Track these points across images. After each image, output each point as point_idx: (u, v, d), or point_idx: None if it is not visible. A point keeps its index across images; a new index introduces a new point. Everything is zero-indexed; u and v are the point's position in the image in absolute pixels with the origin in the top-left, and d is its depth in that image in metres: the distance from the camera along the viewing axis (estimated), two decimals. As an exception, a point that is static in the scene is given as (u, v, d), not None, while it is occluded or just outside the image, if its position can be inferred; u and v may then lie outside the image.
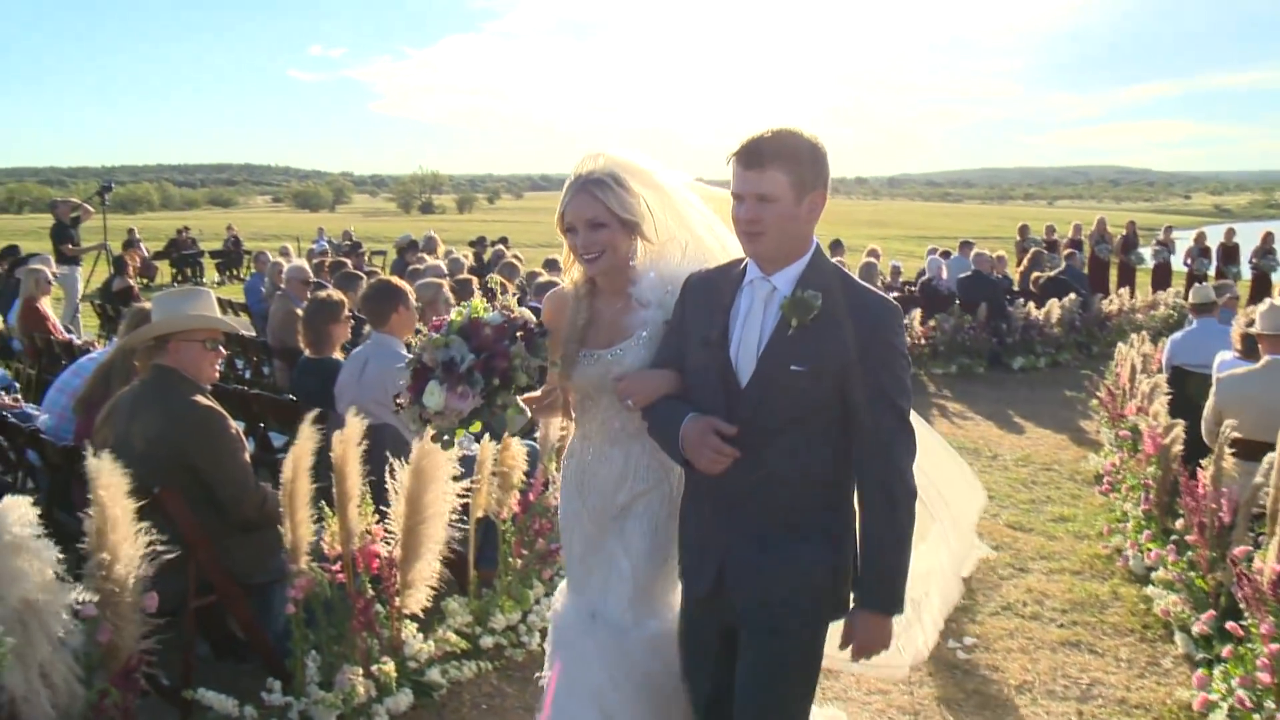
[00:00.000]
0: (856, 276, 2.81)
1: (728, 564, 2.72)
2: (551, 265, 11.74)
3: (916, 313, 13.12)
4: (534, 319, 3.00)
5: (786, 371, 2.60)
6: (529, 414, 3.06)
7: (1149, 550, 5.82)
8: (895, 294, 14.42)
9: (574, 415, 3.21)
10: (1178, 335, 8.52)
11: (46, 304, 10.19)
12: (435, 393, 2.80)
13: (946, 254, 17.69)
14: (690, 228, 3.14)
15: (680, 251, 3.05)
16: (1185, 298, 15.59)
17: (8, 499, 2.87)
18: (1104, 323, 14.93)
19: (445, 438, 2.90)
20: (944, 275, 14.59)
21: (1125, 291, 16.70)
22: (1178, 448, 6.06)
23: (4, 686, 2.82)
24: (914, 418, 2.72)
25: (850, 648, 2.67)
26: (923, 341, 12.93)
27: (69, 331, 10.91)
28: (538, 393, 3.14)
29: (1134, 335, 10.40)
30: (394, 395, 3.24)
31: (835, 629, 2.74)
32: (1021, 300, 14.03)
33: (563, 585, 3.31)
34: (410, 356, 2.92)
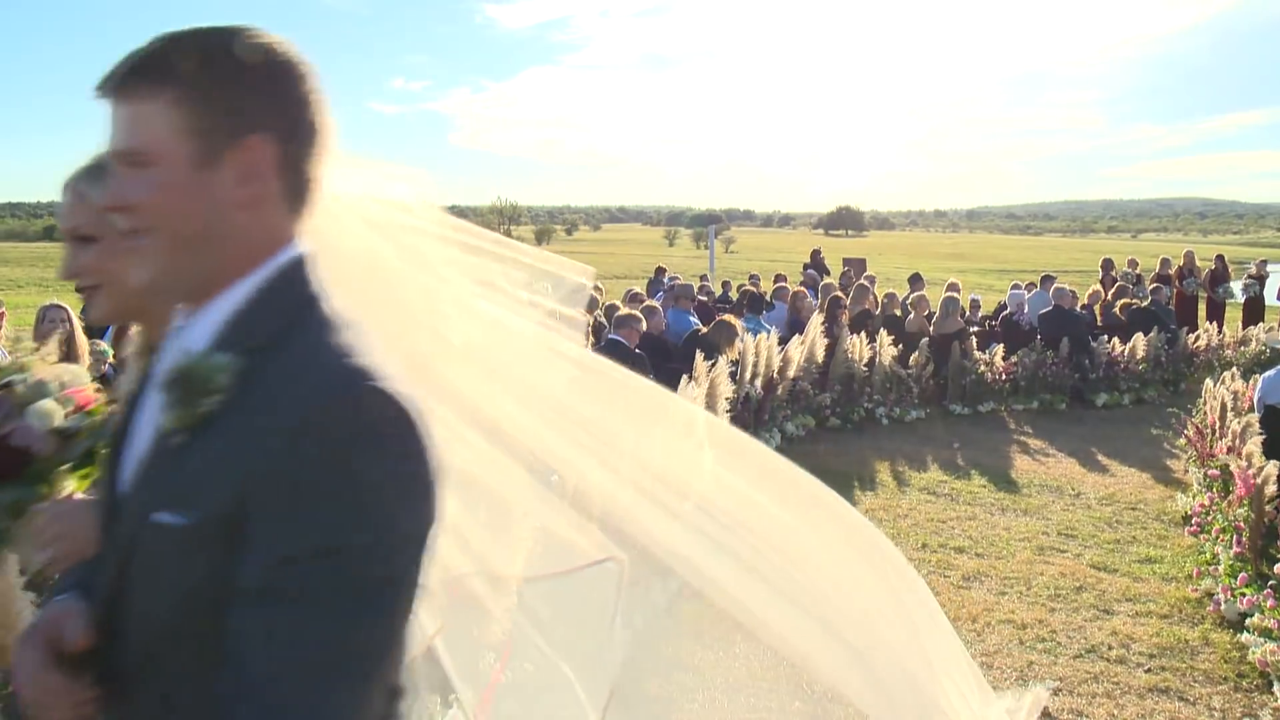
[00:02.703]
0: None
1: None
2: (634, 298, 11.76)
3: (998, 348, 12.94)
4: (50, 420, 1.86)
5: (149, 529, 1.22)
6: (43, 550, 1.80)
7: (1243, 595, 5.65)
8: (975, 328, 14.24)
9: None
10: (1271, 373, 8.27)
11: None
12: None
13: (1018, 285, 17.52)
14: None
15: None
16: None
17: None
18: (1191, 359, 14.55)
19: None
20: (1025, 310, 14.39)
21: (1213, 326, 16.25)
22: (1272, 489, 5.89)
23: None
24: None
25: None
26: (1003, 377, 12.73)
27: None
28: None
29: (1224, 373, 10.12)
30: None
31: None
32: (1105, 336, 13.74)
33: None
34: None
